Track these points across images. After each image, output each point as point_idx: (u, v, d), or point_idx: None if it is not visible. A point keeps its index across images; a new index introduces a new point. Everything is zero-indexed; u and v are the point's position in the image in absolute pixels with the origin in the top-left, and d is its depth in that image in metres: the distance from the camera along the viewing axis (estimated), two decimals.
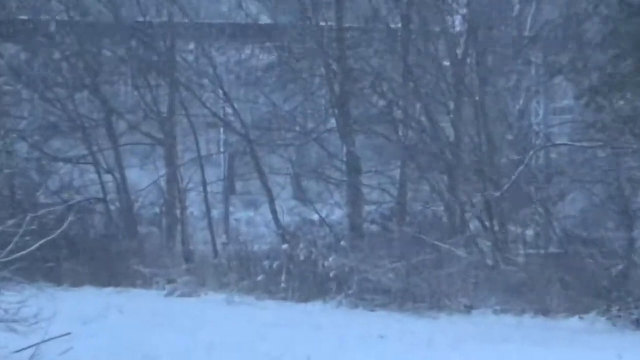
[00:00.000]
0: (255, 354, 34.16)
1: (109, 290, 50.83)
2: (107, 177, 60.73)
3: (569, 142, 55.57)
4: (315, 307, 49.24)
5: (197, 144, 61.65)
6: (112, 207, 61.50)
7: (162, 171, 62.16)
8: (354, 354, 34.96)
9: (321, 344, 36.63)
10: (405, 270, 49.44)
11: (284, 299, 51.11)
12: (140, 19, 61.44)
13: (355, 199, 57.27)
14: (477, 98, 54.09)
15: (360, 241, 53.76)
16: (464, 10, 57.85)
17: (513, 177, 51.88)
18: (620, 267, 47.24)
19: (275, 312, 47.63)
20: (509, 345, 38.47)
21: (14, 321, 28.22)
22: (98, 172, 60.95)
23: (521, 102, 57.92)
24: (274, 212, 59.47)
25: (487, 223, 53.39)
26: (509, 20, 58.34)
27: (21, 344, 28.44)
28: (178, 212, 61.36)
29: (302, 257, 52.00)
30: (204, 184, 61.04)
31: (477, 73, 55.23)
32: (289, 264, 52.28)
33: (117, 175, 60.66)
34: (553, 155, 56.93)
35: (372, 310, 48.15)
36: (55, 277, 47.36)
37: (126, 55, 61.90)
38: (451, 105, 55.29)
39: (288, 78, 63.35)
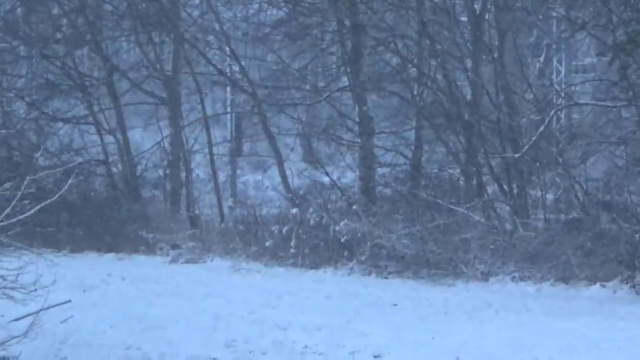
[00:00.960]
0: (264, 324, 34.62)
1: (110, 256, 52.06)
2: (109, 139, 61.25)
3: (591, 102, 55.34)
4: (326, 275, 49.79)
5: (202, 103, 61.79)
6: (114, 170, 62.13)
7: (166, 132, 62.47)
8: (367, 323, 34.89)
9: (332, 313, 37.52)
10: (420, 236, 49.59)
11: (294, 265, 51.58)
12: None
13: (367, 162, 57.11)
14: (495, 55, 53.69)
15: (373, 205, 54.07)
16: None
17: (533, 139, 50.79)
18: None
19: (284, 279, 48.50)
20: (528, 314, 38.75)
21: (12, 288, 28.02)
22: (99, 133, 61.67)
23: (542, 59, 59.10)
24: (283, 175, 59.77)
25: (505, 187, 52.99)
26: None
27: (20, 312, 29.09)
28: (183, 175, 61.73)
29: (312, 222, 52.51)
30: (210, 145, 61.13)
31: (496, 29, 54.91)
32: (299, 229, 52.52)
33: (119, 137, 61.03)
34: (575, 116, 57.76)
35: (385, 278, 48.40)
36: (55, 243, 47.91)
37: (128, 9, 61.52)
38: (469, 63, 54.98)
39: (298, 34, 63.55)
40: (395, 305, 40.69)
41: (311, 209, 54.22)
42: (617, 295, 43.84)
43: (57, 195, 35.23)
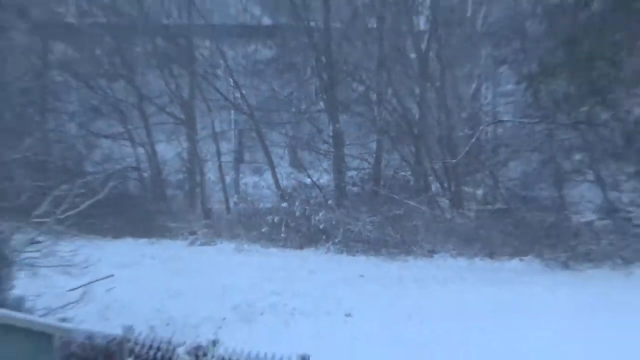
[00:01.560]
0: (263, 292, 37.60)
1: (143, 241, 52.22)
2: (140, 150, 61.84)
3: (511, 119, 57.00)
4: (309, 253, 50.95)
5: (212, 122, 62.85)
6: (144, 175, 62.71)
7: (185, 145, 63.74)
8: (340, 290, 38.14)
9: (314, 283, 40.50)
10: (380, 223, 51.98)
11: (284, 246, 52.57)
12: (165, 21, 62.28)
13: (339, 166, 59.02)
14: (438, 84, 55.70)
15: (344, 200, 56.34)
16: (427, 12, 59.30)
17: (466, 148, 54.14)
18: (552, 219, 49.98)
19: (277, 257, 49.47)
20: (464, 283, 41.62)
21: (69, 266, 31.94)
22: (133, 146, 62.46)
23: (473, 87, 59.89)
24: (275, 177, 61.01)
25: (445, 185, 56.42)
26: (464, 20, 59.09)
27: (74, 284, 32.60)
28: (198, 177, 62.66)
29: (297, 213, 54.32)
30: (219, 155, 61.90)
31: (438, 63, 56.35)
32: (288, 219, 54.29)
33: (148, 149, 61.88)
34: (499, 130, 58.56)
35: (353, 256, 49.85)
36: (100, 231, 48.21)
37: (153, 50, 62.44)
38: (417, 90, 56.91)
39: (285, 69, 65.49)
40: (361, 276, 42.79)
41: (297, 203, 55.11)
42: (532, 267, 45.64)
43: (101, 194, 37.16)
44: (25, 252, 33.59)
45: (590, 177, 51.97)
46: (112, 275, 36.08)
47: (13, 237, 33.57)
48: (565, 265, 45.42)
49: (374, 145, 59.47)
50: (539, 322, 32.72)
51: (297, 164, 63.79)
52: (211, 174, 64.09)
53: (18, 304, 29.48)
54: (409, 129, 56.12)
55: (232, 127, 66.24)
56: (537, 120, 52.66)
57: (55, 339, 22.35)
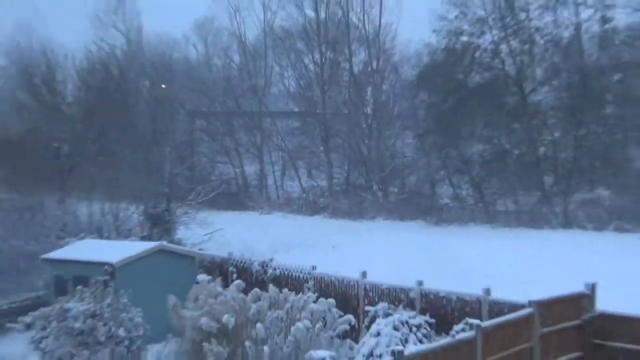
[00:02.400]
0: (294, 237, 41.97)
1: (237, 213, 55.43)
2: (237, 170, 66.37)
3: (410, 155, 61.42)
4: (314, 218, 56.46)
5: (270, 156, 67.50)
6: (239, 181, 66.70)
7: (258, 167, 67.34)
8: (331, 235, 44.58)
9: (319, 232, 46.33)
10: (349, 203, 57.84)
11: (304, 215, 57.65)
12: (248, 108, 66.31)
13: (330, 177, 65.17)
14: (376, 140, 61.14)
15: (331, 193, 62.29)
16: (370, 105, 64.38)
17: (389, 168, 60.05)
18: (428, 202, 55.58)
19: (301, 221, 54.61)
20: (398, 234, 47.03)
21: (203, 223, 39.24)
22: (233, 167, 66.59)
23: (393, 140, 63.69)
24: (300, 182, 66.52)
25: (380, 185, 61.36)
26: (390, 108, 64.08)
27: (205, 232, 39.39)
28: (263, 182, 66.99)
29: (310, 199, 60.85)
30: (273, 172, 67.15)
31: (376, 129, 61.81)
32: (305, 202, 61.04)
33: (240, 169, 66.67)
34: (405, 159, 62.85)
35: (337, 220, 55.48)
36: (216, 208, 48.79)
37: (244, 122, 67.12)
38: (366, 142, 62.10)
39: (304, 131, 70.49)
40: (339, 228, 48.33)
41: (310, 194, 61.37)
42: (420, 225, 50.40)
43: (219, 189, 46.28)
44: (182, 217, 41.36)
45: (447, 182, 57.71)
46: (222, 229, 40.52)
47: (177, 210, 40.87)
48: (436, 224, 50.53)
49: (346, 167, 63.94)
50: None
51: (310, 176, 67.66)
52: (270, 180, 68.25)
53: (179, 242, 36.22)
54: (362, 159, 61.85)
55: (280, 158, 69.63)
56: (422, 155, 58.24)
57: (196, 259, 28.72)
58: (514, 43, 55.08)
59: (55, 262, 26.40)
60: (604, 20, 54.32)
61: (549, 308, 17.26)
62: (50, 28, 64.19)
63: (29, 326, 22.52)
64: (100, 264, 23.90)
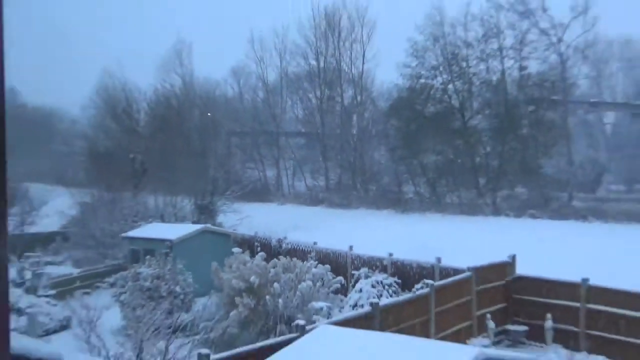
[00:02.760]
0: (301, 220, 40.26)
1: (260, 204, 53.29)
2: (261, 173, 65.52)
3: (383, 163, 59.61)
4: (317, 207, 53.63)
5: (285, 164, 66.63)
6: (261, 181, 65.02)
7: (274, 172, 66.14)
8: (326, 218, 41.13)
9: (319, 217, 44.17)
10: (346, 193, 57.78)
11: (308, 205, 55.75)
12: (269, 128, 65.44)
13: (327, 179, 62.84)
14: (359, 153, 59.64)
15: (330, 189, 61.25)
16: (355, 128, 62.99)
17: (368, 173, 61.28)
18: (394, 196, 53.39)
19: (305, 209, 52.53)
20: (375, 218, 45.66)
21: (236, 212, 37.33)
22: (258, 171, 65.47)
23: (372, 152, 61.87)
24: (305, 182, 64.88)
25: (363, 187, 60.51)
26: (369, 128, 62.38)
27: (237, 218, 37.72)
28: (279, 181, 66.13)
29: (313, 194, 61.34)
30: (287, 174, 66.43)
31: (359, 147, 60.33)
32: (310, 195, 59.85)
33: (262, 173, 65.21)
34: (380, 165, 61.66)
35: (332, 208, 53.00)
36: (246, 200, 46.98)
37: (264, 139, 65.75)
38: (352, 157, 60.41)
39: (310, 146, 69.06)
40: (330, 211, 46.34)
41: (312, 190, 61.13)
42: (386, 213, 49.28)
43: (246, 189, 43.61)
44: (221, 207, 40.62)
45: (410, 183, 56.50)
46: (249, 215, 39.19)
47: (217, 202, 40.35)
48: (402, 212, 49.37)
49: (338, 172, 62.74)
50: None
51: (313, 178, 66.47)
52: (284, 181, 67.03)
53: (219, 225, 35.54)
54: (349, 166, 60.43)
55: (291, 165, 68.57)
56: (392, 163, 56.94)
57: (231, 237, 28.39)
58: (458, 84, 55.67)
59: (131, 239, 26.51)
60: (521, 68, 55.58)
61: (482, 272, 17.38)
62: (128, 73, 66.74)
63: (112, 285, 22.85)
64: (163, 240, 24.16)
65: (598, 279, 16.58)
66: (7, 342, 0.88)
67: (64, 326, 18.90)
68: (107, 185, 35.51)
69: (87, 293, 23.43)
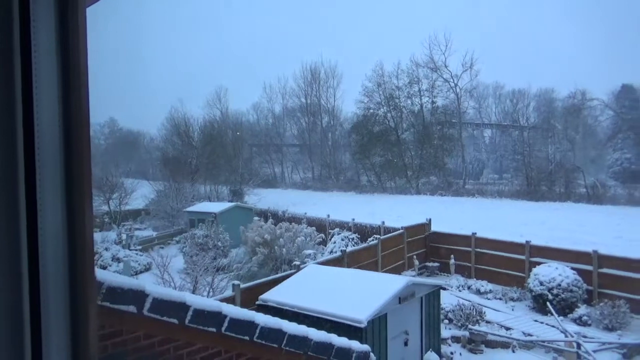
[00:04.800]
0: (305, 198, 36.82)
1: (271, 189, 49.51)
2: (272, 170, 62.38)
3: (349, 161, 60.01)
4: (325, 192, 50.76)
5: (286, 165, 65.16)
6: (273, 175, 62.31)
7: (279, 169, 67.81)
8: (330, 201, 37.42)
9: (330, 201, 39.86)
10: (336, 182, 57.65)
11: (312, 190, 52.61)
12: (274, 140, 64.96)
13: (321, 172, 66.06)
14: (328, 161, 58.68)
15: (319, 178, 61.03)
16: (330, 141, 62.83)
17: (342, 168, 61.45)
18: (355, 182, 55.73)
19: (311, 192, 51.28)
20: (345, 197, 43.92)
21: (255, 194, 36.22)
22: (270, 169, 63.17)
23: (338, 155, 62.92)
24: (298, 173, 64.49)
25: (333, 174, 60.18)
26: (342, 139, 62.51)
27: (257, 198, 33.44)
28: (283, 176, 66.91)
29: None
30: (290, 169, 68.99)
31: (334, 151, 59.68)
32: (313, 185, 60.98)
33: (272, 170, 63.29)
34: (346, 161, 59.54)
35: (330, 191, 51.75)
36: (263, 187, 44.34)
37: (274, 146, 64.84)
38: (329, 159, 58.79)
39: (304, 152, 66.04)
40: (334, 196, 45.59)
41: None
42: (352, 194, 47.40)
43: (261, 180, 42.78)
44: (246, 191, 37.18)
45: (364, 174, 55.66)
46: (265, 197, 36.70)
47: (244, 188, 37.30)
48: (360, 194, 48.05)
49: (319, 168, 60.27)
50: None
51: (304, 172, 63.48)
52: (286, 174, 64.75)
53: (245, 203, 32.18)
54: (327, 165, 58.50)
55: (290, 164, 65.94)
56: (353, 163, 55.88)
57: (253, 210, 26.51)
58: (393, 113, 55.57)
59: (190, 212, 25.53)
60: (432, 102, 55.07)
61: (410, 230, 17.13)
62: (186, 107, 71.79)
63: (177, 242, 22.42)
64: (210, 213, 23.29)
65: (482, 232, 16.63)
66: (94, 279, 0.82)
67: (147, 269, 18.50)
68: (173, 178, 35.04)
69: (162, 247, 22.84)
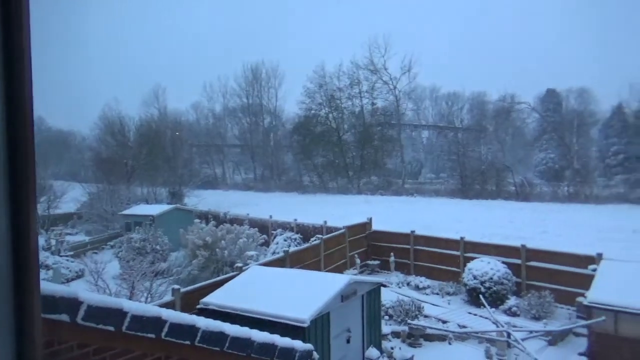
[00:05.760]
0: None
1: (212, 190, 48.46)
2: (211, 171, 61.69)
3: (290, 163, 60.12)
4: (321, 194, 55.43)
5: (228, 166, 64.97)
6: (213, 176, 61.54)
7: (221, 170, 66.25)
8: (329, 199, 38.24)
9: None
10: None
11: (302, 193, 51.47)
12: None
13: (298, 177, 64.93)
14: (270, 161, 59.10)
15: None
16: (272, 142, 64.01)
17: (299, 168, 60.84)
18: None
19: (306, 197, 48.01)
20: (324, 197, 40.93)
21: (195, 195, 34.24)
22: (210, 170, 62.24)
23: (282, 157, 62.13)
24: (255, 173, 67.30)
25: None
26: (279, 141, 63.35)
27: (197, 200, 32.72)
28: (224, 177, 67.08)
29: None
30: (240, 173, 68.92)
31: (275, 153, 59.08)
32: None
33: (212, 171, 62.54)
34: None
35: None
36: (203, 188, 44.03)
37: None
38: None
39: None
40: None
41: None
42: (294, 195, 46.41)
43: (202, 181, 41.93)
44: (186, 193, 36.07)
45: (306, 175, 55.61)
46: (205, 198, 36.20)
47: (184, 190, 35.73)
48: (302, 194, 47.54)
49: (262, 168, 60.26)
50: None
51: (245, 173, 62.61)
52: (227, 175, 62.95)
53: (185, 204, 31.65)
54: (269, 165, 57.64)
55: (231, 164, 64.85)
56: (295, 162, 55.74)
57: (193, 212, 26.06)
58: (335, 113, 56.26)
59: (126, 215, 24.75)
60: (372, 104, 55.92)
61: (352, 229, 17.13)
62: (121, 105, 68.53)
63: (112, 247, 21.51)
64: (148, 216, 22.77)
65: (420, 230, 16.89)
66: (38, 287, 0.80)
67: (79, 276, 17.73)
68: (107, 180, 33.41)
69: (96, 253, 21.87)
